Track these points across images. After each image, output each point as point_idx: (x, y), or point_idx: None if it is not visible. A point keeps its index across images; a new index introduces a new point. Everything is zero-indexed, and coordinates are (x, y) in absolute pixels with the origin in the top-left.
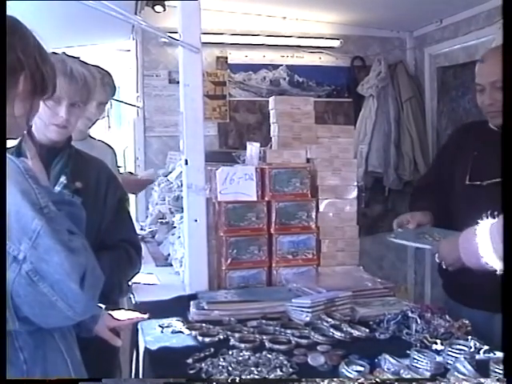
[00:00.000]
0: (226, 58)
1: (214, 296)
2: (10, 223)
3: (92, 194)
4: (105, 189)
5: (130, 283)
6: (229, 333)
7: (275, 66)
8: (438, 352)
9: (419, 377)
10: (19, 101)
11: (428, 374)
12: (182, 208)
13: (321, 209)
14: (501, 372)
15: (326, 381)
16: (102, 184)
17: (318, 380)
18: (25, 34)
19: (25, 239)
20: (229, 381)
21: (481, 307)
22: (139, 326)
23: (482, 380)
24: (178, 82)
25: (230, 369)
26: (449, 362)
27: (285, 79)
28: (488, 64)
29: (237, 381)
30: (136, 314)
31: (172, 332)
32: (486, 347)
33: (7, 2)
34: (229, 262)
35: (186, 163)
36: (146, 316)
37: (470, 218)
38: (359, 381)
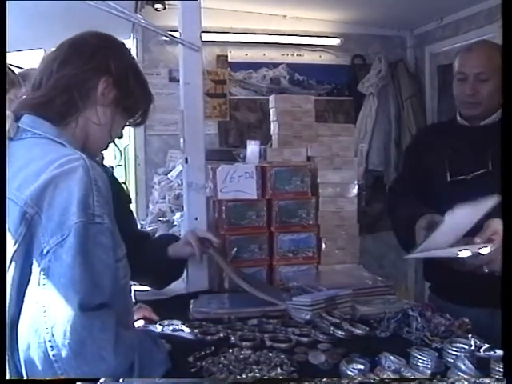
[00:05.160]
0: (227, 56)
1: (205, 303)
2: (52, 216)
3: None
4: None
5: None
6: (229, 331)
7: (275, 65)
8: (438, 350)
9: (419, 375)
10: (100, 106)
11: (428, 372)
12: (183, 206)
13: (321, 207)
14: (501, 370)
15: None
16: None
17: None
18: (123, 51)
19: (57, 234)
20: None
21: (472, 304)
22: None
23: (483, 380)
24: (179, 81)
25: (230, 367)
26: (449, 360)
27: (285, 77)
28: (475, 55)
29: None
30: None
31: (172, 330)
32: (486, 345)
33: (7, 1)
34: (229, 260)
35: (187, 161)
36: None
37: None
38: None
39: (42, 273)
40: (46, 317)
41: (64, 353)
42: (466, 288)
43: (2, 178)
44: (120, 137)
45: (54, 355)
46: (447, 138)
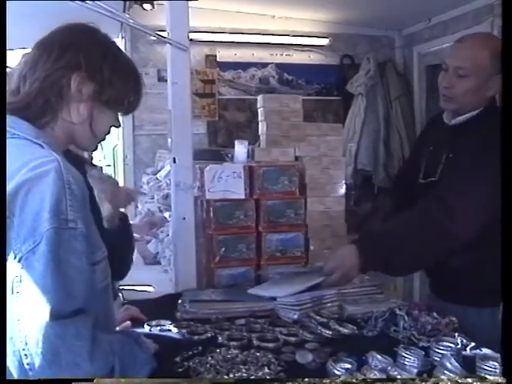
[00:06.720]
0: (215, 56)
1: (198, 295)
2: (25, 221)
3: None
4: None
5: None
6: (217, 331)
7: (264, 65)
8: (425, 349)
9: (406, 374)
10: (77, 103)
11: (415, 371)
12: (171, 206)
13: (309, 207)
14: (487, 368)
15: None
16: None
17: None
18: (95, 41)
19: (29, 241)
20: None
21: (470, 303)
22: None
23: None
24: (167, 80)
25: (217, 367)
26: (436, 358)
27: (274, 77)
28: (462, 47)
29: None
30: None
31: (160, 330)
32: (472, 344)
33: (7, 1)
34: (217, 260)
35: (174, 161)
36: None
37: None
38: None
39: (14, 280)
40: (20, 325)
41: (37, 362)
42: (467, 286)
43: (2, 177)
44: (117, 126)
45: (28, 363)
46: (431, 134)
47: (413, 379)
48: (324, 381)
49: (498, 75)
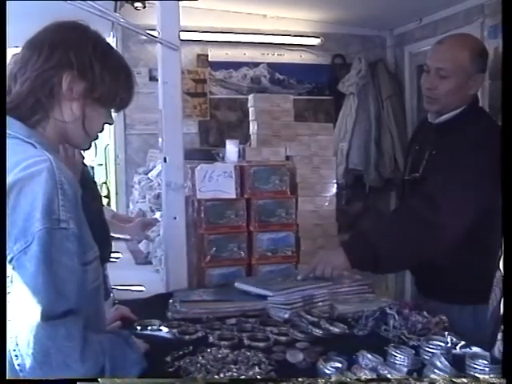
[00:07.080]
0: (207, 55)
1: (189, 295)
2: (17, 222)
3: None
4: None
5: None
6: (208, 330)
7: (256, 64)
8: (415, 348)
9: (396, 373)
10: (69, 102)
11: (405, 370)
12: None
13: (300, 206)
14: (476, 367)
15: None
16: None
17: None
18: (84, 39)
19: (21, 241)
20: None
21: (455, 301)
22: None
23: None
24: (158, 80)
25: (208, 366)
26: (426, 357)
27: (265, 77)
28: (442, 49)
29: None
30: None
31: (151, 330)
32: (462, 342)
33: (7, 1)
34: (208, 259)
35: (165, 161)
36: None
37: None
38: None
39: (6, 280)
40: (11, 326)
41: (28, 363)
42: (451, 284)
43: (2, 177)
44: (110, 123)
45: (19, 364)
46: (418, 134)
47: (407, 379)
48: (319, 380)
49: (478, 74)
